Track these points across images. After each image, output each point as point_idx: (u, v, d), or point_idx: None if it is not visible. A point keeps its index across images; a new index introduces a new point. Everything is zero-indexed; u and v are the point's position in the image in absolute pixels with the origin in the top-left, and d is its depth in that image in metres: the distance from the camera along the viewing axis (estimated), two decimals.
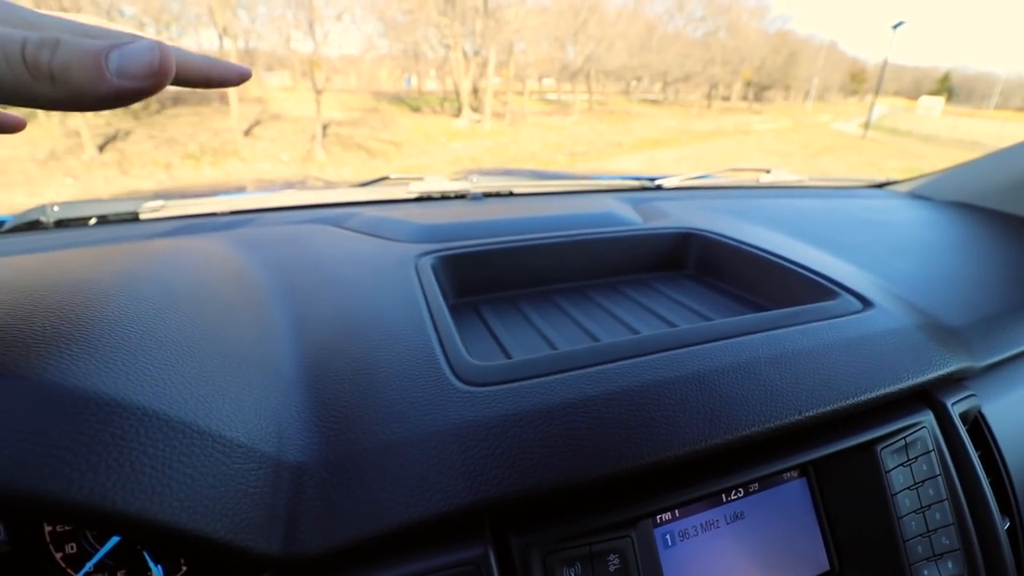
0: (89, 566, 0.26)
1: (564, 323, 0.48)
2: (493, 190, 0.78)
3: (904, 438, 0.35)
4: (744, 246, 0.54)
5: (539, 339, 0.44)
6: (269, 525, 0.24)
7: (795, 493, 0.33)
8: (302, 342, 0.34)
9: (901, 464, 0.34)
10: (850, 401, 0.34)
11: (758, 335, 0.37)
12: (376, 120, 11.23)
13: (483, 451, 0.28)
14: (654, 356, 0.34)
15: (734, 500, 0.32)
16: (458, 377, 0.32)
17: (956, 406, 0.37)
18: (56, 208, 0.60)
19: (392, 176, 0.80)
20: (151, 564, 0.26)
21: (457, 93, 12.76)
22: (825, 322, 0.39)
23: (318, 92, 9.07)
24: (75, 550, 0.26)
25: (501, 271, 0.51)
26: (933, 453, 0.35)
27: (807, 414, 0.33)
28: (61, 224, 0.58)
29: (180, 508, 0.21)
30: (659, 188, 0.85)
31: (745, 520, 0.32)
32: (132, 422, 0.21)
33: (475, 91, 12.85)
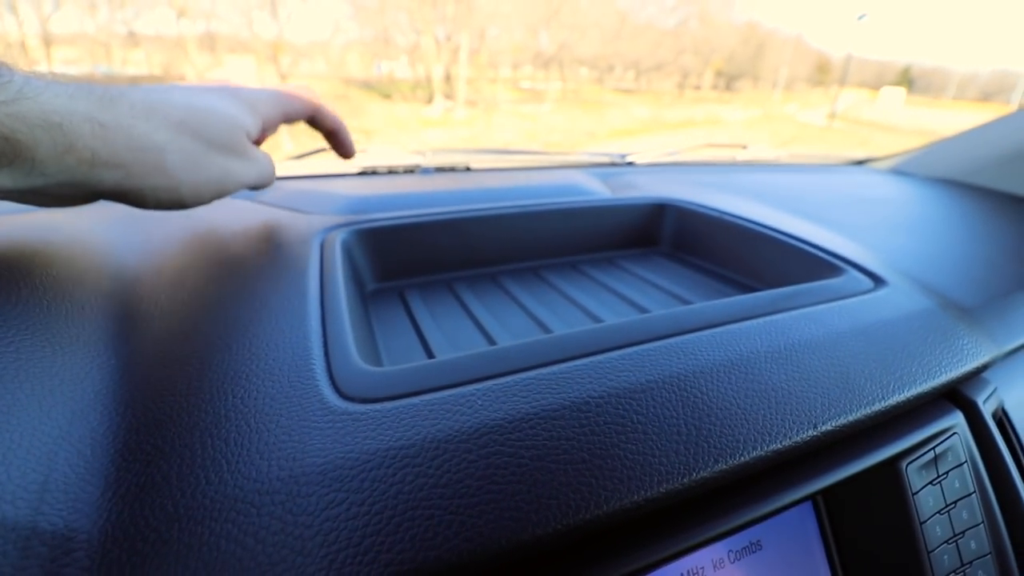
0: None
1: (511, 312, 0.39)
2: (447, 164, 0.69)
3: (933, 449, 0.27)
4: (728, 217, 0.47)
5: (477, 334, 0.35)
6: None
7: (796, 525, 0.26)
8: (127, 344, 0.24)
9: (930, 482, 0.26)
10: (875, 408, 0.25)
11: (753, 322, 0.29)
12: (346, 107, 10.88)
13: (355, 507, 0.18)
14: (619, 352, 0.25)
15: (715, 542, 0.23)
16: (338, 390, 0.22)
17: (987, 404, 0.31)
18: None
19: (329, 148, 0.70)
20: None
21: (429, 80, 12.48)
22: (833, 304, 0.31)
23: (283, 77, 8.72)
24: None
25: (436, 248, 0.42)
26: (967, 465, 0.28)
27: (823, 428, 0.24)
28: None
29: None
30: (630, 164, 0.78)
31: (730, 568, 0.23)
32: None
33: (448, 78, 12.59)
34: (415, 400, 0.22)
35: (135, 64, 12.41)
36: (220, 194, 0.31)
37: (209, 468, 0.18)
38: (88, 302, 0.25)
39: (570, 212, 0.47)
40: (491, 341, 0.34)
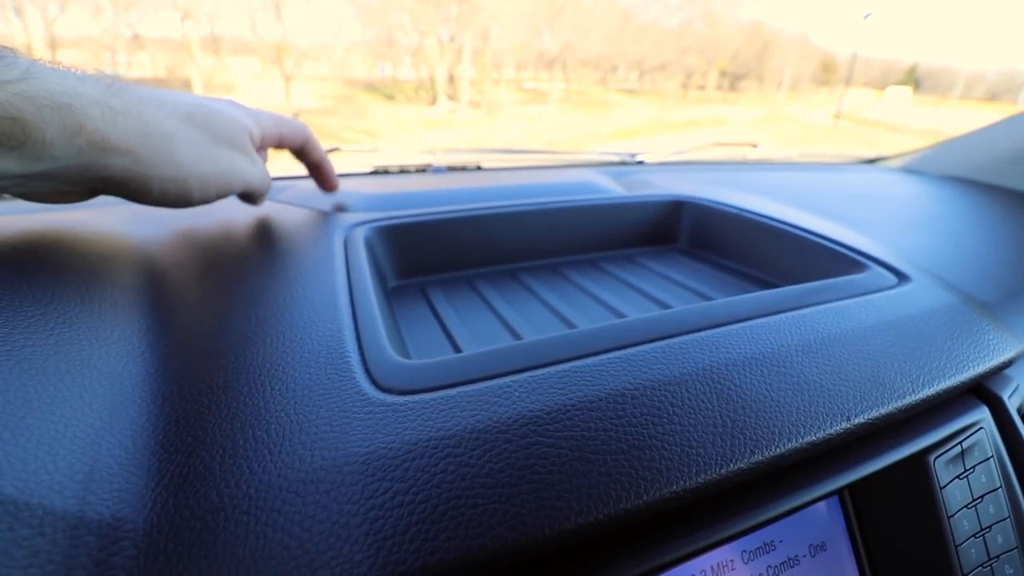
0: None
1: (533, 307, 0.39)
2: (459, 164, 0.69)
3: (960, 443, 0.27)
4: (746, 213, 0.47)
5: (501, 328, 0.36)
6: None
7: (824, 519, 0.26)
8: (167, 340, 0.24)
9: (957, 476, 0.26)
10: (906, 401, 0.25)
11: (781, 316, 0.29)
12: (349, 109, 10.92)
13: (399, 495, 0.18)
14: (649, 346, 0.25)
15: (745, 536, 0.23)
16: (374, 382, 0.22)
17: (1012, 399, 0.31)
18: None
19: (344, 148, 0.71)
20: None
21: (432, 81, 12.50)
22: (859, 299, 0.31)
23: (287, 79, 8.76)
24: None
25: (456, 245, 0.43)
26: (993, 460, 0.28)
27: (856, 421, 0.24)
28: None
29: None
30: (641, 163, 0.78)
31: (758, 561, 0.24)
32: None
33: (451, 79, 12.61)
34: (451, 392, 0.22)
35: (139, 67, 12.51)
36: (226, 191, 0.31)
37: (252, 458, 0.19)
38: (121, 296, 0.26)
39: (589, 209, 0.47)
40: (516, 336, 0.34)
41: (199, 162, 0.29)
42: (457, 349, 0.32)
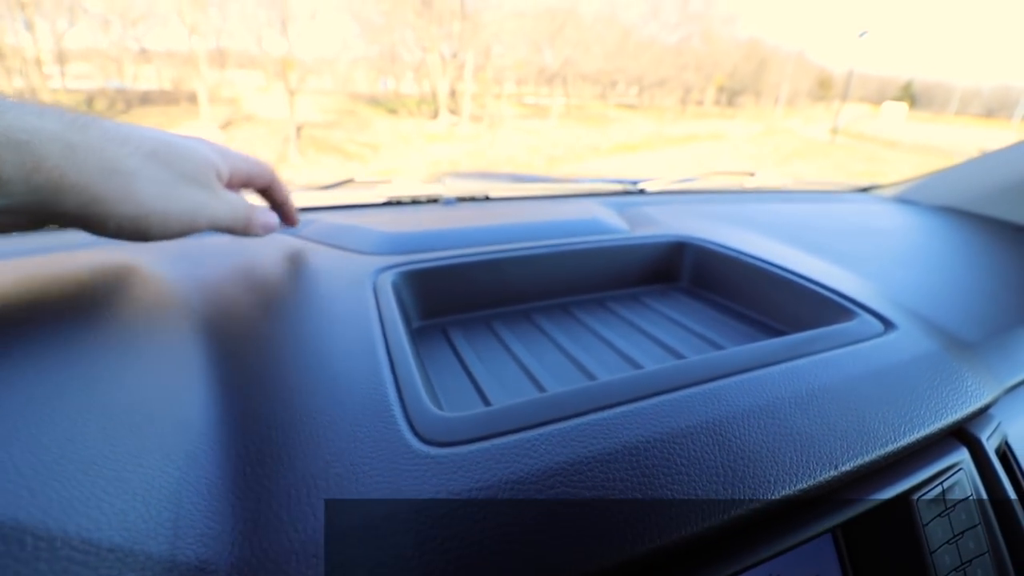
0: None
1: (547, 350, 0.41)
2: (467, 194, 0.72)
3: (941, 483, 0.30)
4: (744, 256, 0.50)
5: (519, 372, 0.38)
6: None
7: (817, 556, 0.28)
8: (223, 387, 0.26)
9: (938, 515, 0.29)
10: (888, 449, 0.28)
11: (777, 367, 0.31)
12: (352, 122, 11.04)
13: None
14: (659, 399, 0.28)
15: (744, 573, 0.26)
16: (418, 435, 0.25)
17: (990, 440, 0.33)
18: None
19: (358, 179, 0.74)
20: None
21: (434, 96, 12.66)
22: (847, 348, 0.34)
23: (291, 93, 8.88)
24: None
25: (474, 287, 0.45)
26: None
27: (843, 468, 0.27)
28: None
29: None
30: (642, 192, 0.81)
31: None
32: None
33: (453, 94, 12.77)
34: (486, 444, 0.24)
35: (146, 79, 12.65)
36: (190, 229, 0.31)
37: (316, 506, 0.21)
38: (176, 346, 0.28)
39: (596, 251, 0.50)
40: (536, 382, 0.37)
41: (160, 199, 0.28)
42: (483, 396, 0.35)
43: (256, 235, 0.38)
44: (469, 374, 0.38)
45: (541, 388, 0.36)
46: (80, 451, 0.19)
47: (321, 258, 0.43)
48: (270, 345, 0.30)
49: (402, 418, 0.25)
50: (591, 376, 0.38)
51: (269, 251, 0.43)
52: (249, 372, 0.28)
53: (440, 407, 0.28)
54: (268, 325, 0.32)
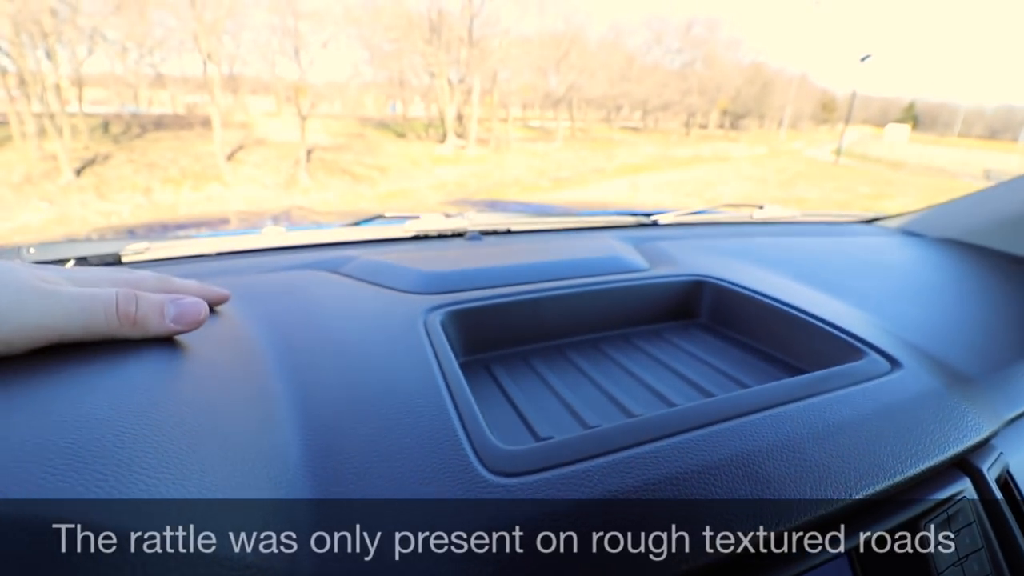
0: None
1: (581, 384, 0.45)
2: (490, 228, 0.76)
3: (946, 511, 0.33)
4: (758, 296, 0.53)
5: (560, 406, 0.41)
6: None
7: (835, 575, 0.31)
8: (308, 421, 0.29)
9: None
10: (897, 479, 0.32)
11: (796, 405, 0.35)
12: (361, 145, 11.25)
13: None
14: (693, 434, 0.31)
15: None
16: (485, 465, 0.27)
17: (991, 470, 0.36)
18: (32, 250, 0.56)
19: (387, 214, 0.78)
20: None
21: (442, 119, 12.91)
22: (858, 387, 0.37)
23: (303, 118, 9.09)
24: None
25: (512, 325, 0.49)
26: (975, 524, 0.34)
27: (856, 497, 0.30)
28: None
29: None
30: (655, 224, 0.85)
31: None
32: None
33: (460, 118, 13.01)
34: (546, 475, 0.27)
35: (161, 104, 13.00)
36: (25, 346, 0.24)
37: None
38: (263, 384, 0.31)
39: (622, 290, 0.54)
40: (577, 416, 0.40)
41: None
42: (531, 429, 0.38)
43: (164, 333, 0.28)
44: (515, 408, 0.41)
45: (582, 421, 0.39)
46: (211, 491, 0.21)
47: (370, 297, 0.47)
48: (341, 384, 0.33)
49: (470, 451, 0.28)
50: (625, 409, 0.41)
51: (319, 289, 0.47)
52: (326, 413, 0.30)
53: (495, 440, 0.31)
54: (336, 365, 0.35)
